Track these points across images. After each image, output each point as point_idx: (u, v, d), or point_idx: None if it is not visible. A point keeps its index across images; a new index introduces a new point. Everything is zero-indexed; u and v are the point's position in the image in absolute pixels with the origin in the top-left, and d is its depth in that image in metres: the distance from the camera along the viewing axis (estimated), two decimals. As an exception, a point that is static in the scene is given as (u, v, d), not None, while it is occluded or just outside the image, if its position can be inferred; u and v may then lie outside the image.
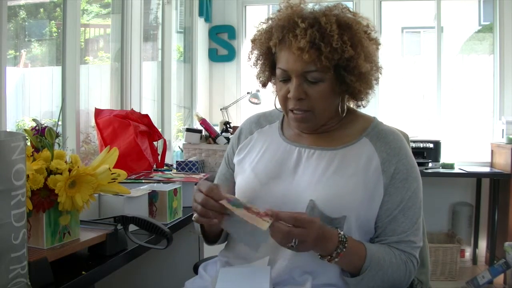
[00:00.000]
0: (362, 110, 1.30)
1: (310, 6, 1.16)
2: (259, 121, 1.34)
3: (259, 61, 1.24)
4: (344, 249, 1.07)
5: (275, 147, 1.25)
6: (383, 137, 1.19)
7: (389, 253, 1.13)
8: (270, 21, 1.19)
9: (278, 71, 1.17)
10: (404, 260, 1.14)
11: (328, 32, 1.08)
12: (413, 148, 1.51)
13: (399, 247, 1.14)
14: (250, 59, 1.25)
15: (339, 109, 1.20)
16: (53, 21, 2.38)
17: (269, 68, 1.23)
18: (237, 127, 1.43)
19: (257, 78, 1.28)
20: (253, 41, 1.23)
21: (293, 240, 1.01)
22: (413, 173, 1.18)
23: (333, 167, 1.16)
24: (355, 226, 1.13)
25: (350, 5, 4.12)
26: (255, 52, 1.23)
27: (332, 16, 1.11)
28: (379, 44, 1.19)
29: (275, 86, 1.24)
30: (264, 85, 1.28)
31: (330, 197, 1.12)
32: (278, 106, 1.22)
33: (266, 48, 1.19)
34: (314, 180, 1.15)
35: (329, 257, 1.07)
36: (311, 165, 1.18)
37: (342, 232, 1.09)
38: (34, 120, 1.18)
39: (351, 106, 1.26)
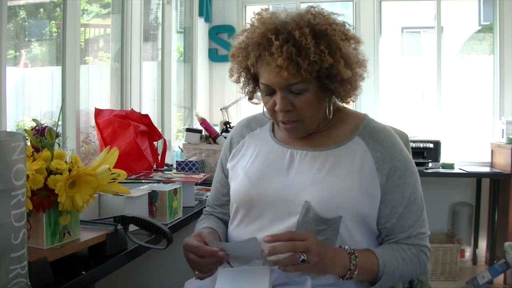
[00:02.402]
0: (362, 109, 1.30)
1: (282, 16, 1.11)
2: (250, 124, 1.33)
3: (241, 77, 1.21)
4: (357, 259, 1.07)
5: (267, 150, 1.24)
6: (375, 135, 1.18)
7: (399, 250, 1.14)
8: (245, 33, 1.15)
9: (261, 86, 1.15)
10: (415, 254, 1.15)
11: (304, 45, 1.05)
12: (413, 148, 1.50)
13: (409, 242, 1.15)
14: (232, 75, 1.22)
15: (327, 112, 1.18)
16: (53, 21, 2.38)
17: (252, 82, 1.22)
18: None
19: (241, 92, 1.25)
20: (232, 56, 1.19)
21: (300, 256, 1.00)
22: (410, 167, 1.17)
23: (326, 167, 1.15)
24: (354, 225, 1.13)
25: (350, 5, 4.11)
26: (236, 67, 1.20)
27: (305, 26, 1.07)
28: (359, 41, 1.15)
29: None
30: (250, 98, 1.27)
31: (325, 198, 1.11)
32: (268, 114, 1.20)
33: (246, 65, 1.16)
34: (308, 181, 1.14)
35: (349, 271, 1.07)
36: (304, 167, 1.17)
37: (346, 247, 1.09)
38: (34, 120, 1.18)
39: (339, 104, 1.24)
